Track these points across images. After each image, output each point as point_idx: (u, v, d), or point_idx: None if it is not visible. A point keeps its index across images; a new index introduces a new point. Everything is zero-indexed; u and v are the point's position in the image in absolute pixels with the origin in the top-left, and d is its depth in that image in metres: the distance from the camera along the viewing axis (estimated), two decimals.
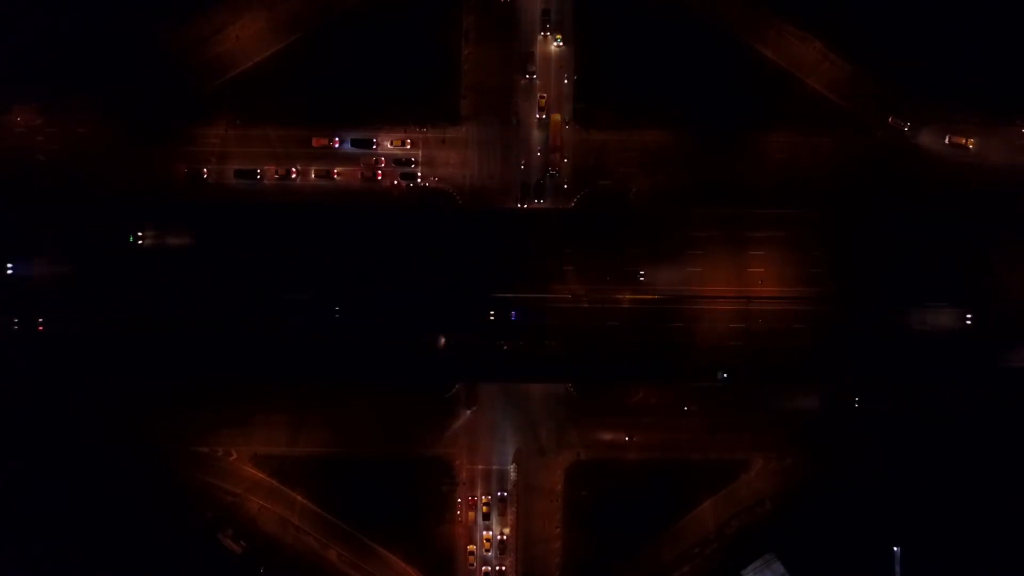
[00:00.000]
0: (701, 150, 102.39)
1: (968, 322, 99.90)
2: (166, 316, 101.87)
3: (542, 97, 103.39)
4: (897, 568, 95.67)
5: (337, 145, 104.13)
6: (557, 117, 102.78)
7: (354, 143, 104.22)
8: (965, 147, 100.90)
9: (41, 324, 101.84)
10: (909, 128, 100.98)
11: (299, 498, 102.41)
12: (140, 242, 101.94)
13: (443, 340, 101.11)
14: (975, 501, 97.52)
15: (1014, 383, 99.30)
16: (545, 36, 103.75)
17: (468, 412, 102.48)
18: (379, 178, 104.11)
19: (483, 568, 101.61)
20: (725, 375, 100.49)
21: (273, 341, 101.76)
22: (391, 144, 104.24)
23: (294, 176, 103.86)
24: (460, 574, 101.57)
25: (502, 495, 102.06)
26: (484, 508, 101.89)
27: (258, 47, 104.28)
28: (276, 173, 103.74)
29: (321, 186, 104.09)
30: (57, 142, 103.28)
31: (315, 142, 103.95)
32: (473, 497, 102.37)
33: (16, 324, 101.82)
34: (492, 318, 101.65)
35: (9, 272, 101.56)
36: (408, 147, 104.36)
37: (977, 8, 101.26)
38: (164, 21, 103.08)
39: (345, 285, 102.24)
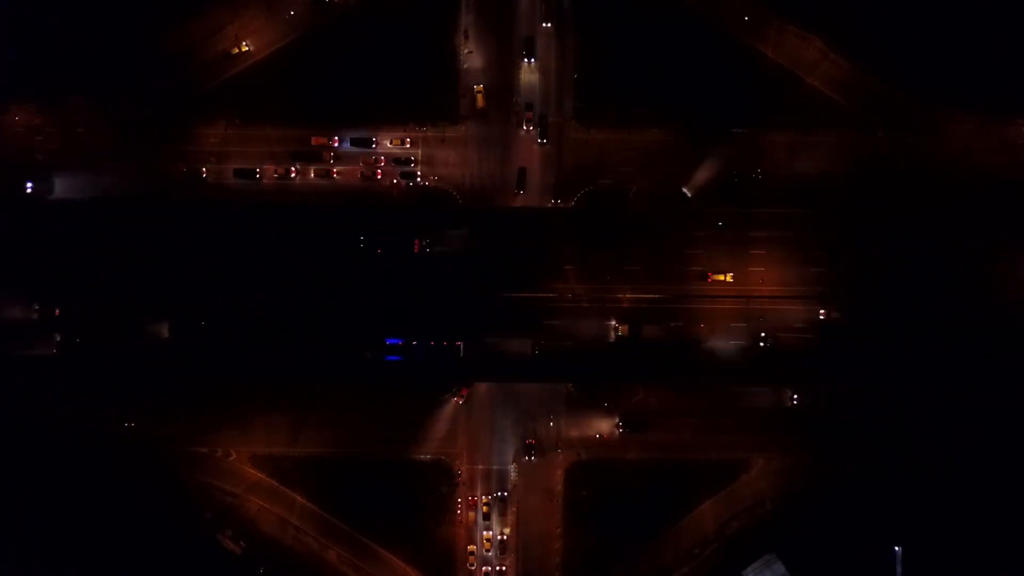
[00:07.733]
0: (701, 150, 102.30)
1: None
2: (166, 316, 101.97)
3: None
4: (898, 568, 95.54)
5: (336, 144, 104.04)
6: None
7: (354, 142, 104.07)
8: None
9: (40, 324, 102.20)
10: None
11: (298, 498, 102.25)
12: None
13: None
14: (975, 501, 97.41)
15: (1014, 381, 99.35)
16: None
17: (458, 401, 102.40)
18: (379, 177, 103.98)
19: (483, 568, 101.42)
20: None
21: (272, 341, 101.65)
22: (391, 143, 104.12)
23: (293, 175, 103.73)
24: (460, 574, 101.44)
25: (502, 495, 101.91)
26: (484, 508, 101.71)
27: (257, 47, 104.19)
28: (275, 172, 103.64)
29: (320, 185, 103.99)
30: (56, 142, 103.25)
31: (314, 141, 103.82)
32: (473, 497, 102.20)
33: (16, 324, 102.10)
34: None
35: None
36: (408, 146, 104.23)
37: (977, 8, 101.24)
38: (164, 21, 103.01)
39: (344, 285, 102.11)
